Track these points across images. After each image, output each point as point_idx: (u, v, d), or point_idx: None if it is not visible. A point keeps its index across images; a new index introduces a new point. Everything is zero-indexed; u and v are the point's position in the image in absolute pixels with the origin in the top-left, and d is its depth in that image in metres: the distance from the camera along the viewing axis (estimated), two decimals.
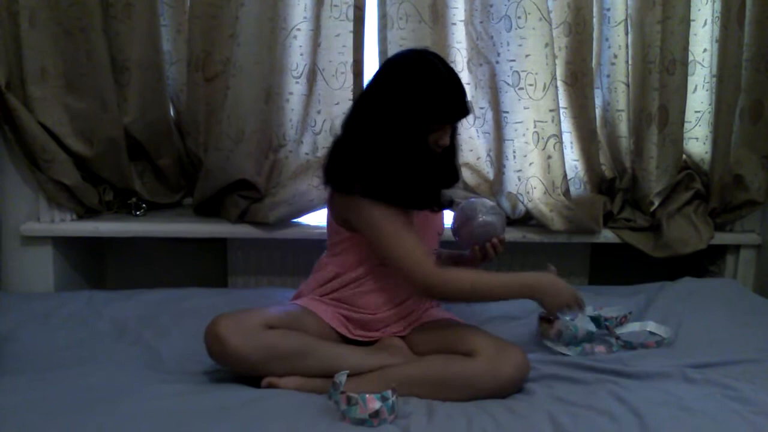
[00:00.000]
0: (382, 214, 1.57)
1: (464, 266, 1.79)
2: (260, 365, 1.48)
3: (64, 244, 2.19)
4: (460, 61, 2.21)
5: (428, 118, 1.57)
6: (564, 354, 1.71)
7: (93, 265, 2.40)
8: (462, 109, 1.61)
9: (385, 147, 1.57)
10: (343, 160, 1.63)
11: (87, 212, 2.19)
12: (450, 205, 1.74)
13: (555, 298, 1.60)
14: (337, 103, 2.12)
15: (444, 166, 1.70)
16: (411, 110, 1.56)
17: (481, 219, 1.72)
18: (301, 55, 2.11)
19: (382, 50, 2.12)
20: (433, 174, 1.64)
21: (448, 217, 1.85)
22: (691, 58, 2.23)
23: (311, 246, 1.97)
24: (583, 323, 1.76)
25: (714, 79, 2.26)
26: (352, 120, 1.65)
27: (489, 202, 1.77)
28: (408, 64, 1.61)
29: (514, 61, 2.11)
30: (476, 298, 1.66)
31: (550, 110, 2.14)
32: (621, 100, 2.23)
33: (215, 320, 1.48)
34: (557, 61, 2.17)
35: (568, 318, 1.72)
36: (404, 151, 1.57)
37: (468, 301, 1.73)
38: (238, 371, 1.50)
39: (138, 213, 2.23)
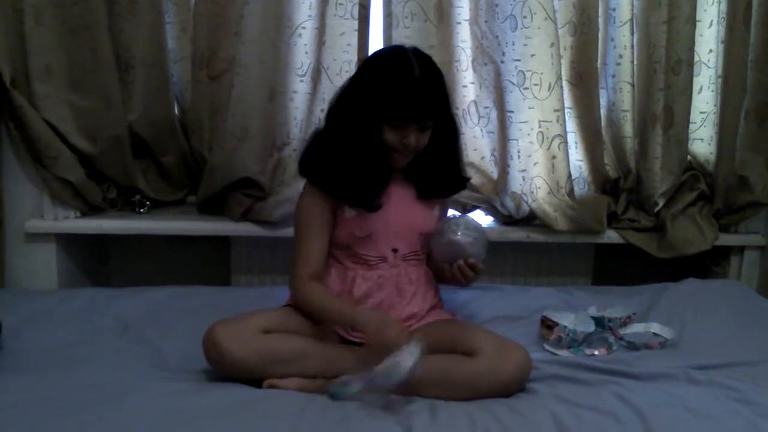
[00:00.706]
0: (306, 205, 1.66)
1: (444, 279, 1.73)
2: (259, 370, 1.49)
3: (68, 242, 2.19)
4: (464, 60, 2.20)
5: (377, 111, 1.57)
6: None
7: (96, 262, 2.40)
8: (408, 109, 1.56)
9: (338, 136, 1.62)
10: (308, 147, 1.71)
11: (91, 210, 2.19)
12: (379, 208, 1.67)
13: (375, 339, 1.47)
14: None
15: (443, 173, 1.71)
16: (363, 101, 1.58)
17: (451, 237, 1.64)
18: (306, 53, 2.11)
19: None
20: (376, 172, 1.63)
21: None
22: (696, 58, 2.22)
23: None
24: (582, 326, 1.76)
25: (719, 80, 2.26)
26: (328, 110, 1.70)
27: (473, 223, 1.69)
28: (376, 59, 1.66)
29: (519, 60, 2.11)
30: (319, 318, 1.63)
31: (555, 110, 2.14)
32: (626, 101, 2.22)
33: (212, 328, 1.49)
34: (562, 61, 2.16)
35: (565, 325, 1.73)
36: (353, 142, 1.59)
37: (305, 308, 1.65)
38: (234, 375, 1.50)
39: (142, 210, 2.22)
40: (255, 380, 1.51)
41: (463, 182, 1.79)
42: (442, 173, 1.71)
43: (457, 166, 1.75)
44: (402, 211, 1.69)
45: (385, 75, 1.59)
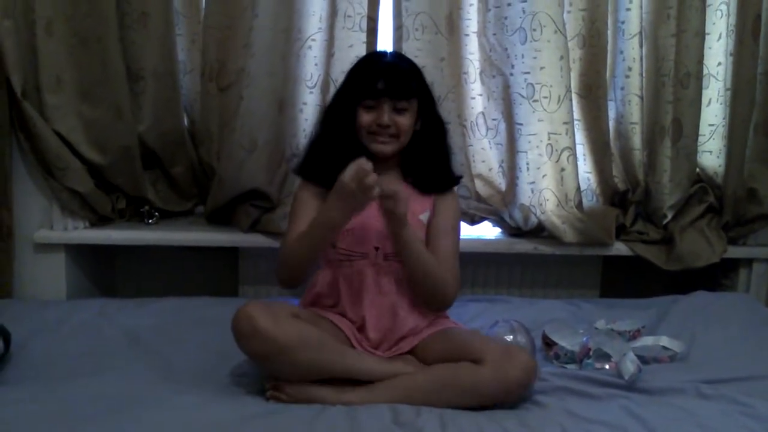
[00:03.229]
0: (298, 194, 1.77)
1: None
2: (286, 350, 1.46)
3: (77, 252, 2.19)
4: (472, 72, 2.21)
5: (349, 95, 1.70)
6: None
7: (105, 272, 2.41)
8: (376, 85, 1.65)
9: (320, 128, 1.81)
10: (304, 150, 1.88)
11: (100, 220, 2.19)
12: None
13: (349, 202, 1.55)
14: None
15: (434, 169, 1.76)
16: (339, 92, 1.77)
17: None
18: (316, 65, 2.12)
19: None
20: (349, 154, 1.64)
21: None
22: (705, 71, 2.22)
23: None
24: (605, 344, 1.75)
25: (728, 93, 2.25)
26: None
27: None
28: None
29: (528, 73, 2.11)
30: (297, 255, 1.67)
31: (564, 123, 2.14)
32: (635, 113, 2.22)
33: (246, 305, 1.49)
34: (571, 74, 2.16)
35: (564, 344, 1.75)
36: (330, 128, 1.74)
37: (295, 260, 1.68)
38: (261, 355, 1.48)
39: (150, 221, 2.23)
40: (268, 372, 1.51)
41: (452, 180, 1.82)
42: (431, 169, 1.76)
43: (446, 164, 1.80)
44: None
45: (357, 63, 1.78)
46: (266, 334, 1.45)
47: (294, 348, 1.47)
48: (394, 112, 1.67)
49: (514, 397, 1.49)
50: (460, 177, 1.88)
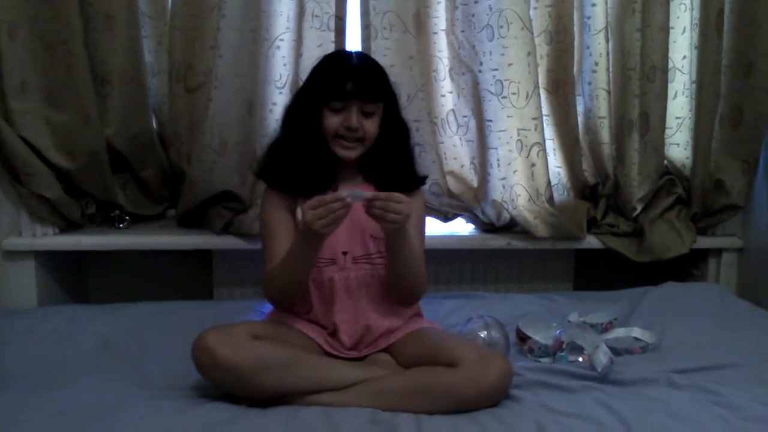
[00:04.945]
0: (266, 207, 1.70)
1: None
2: (250, 376, 1.45)
3: (47, 259, 2.17)
4: (442, 69, 2.22)
5: (315, 96, 1.64)
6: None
7: (76, 278, 2.38)
8: (343, 87, 1.60)
9: (284, 131, 1.71)
10: (265, 152, 1.79)
11: (69, 226, 2.17)
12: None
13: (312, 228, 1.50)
14: None
15: (395, 170, 1.72)
16: (304, 93, 1.70)
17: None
18: (285, 65, 2.11)
19: None
20: (317, 159, 1.66)
21: None
22: (670, 65, 2.25)
23: None
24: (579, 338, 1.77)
25: (694, 86, 2.29)
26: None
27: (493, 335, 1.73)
28: (320, 58, 1.76)
29: (496, 69, 2.12)
30: (284, 284, 1.63)
31: (533, 118, 2.15)
32: (602, 107, 2.24)
33: (202, 334, 1.47)
34: (539, 69, 2.17)
35: (537, 338, 1.76)
36: (295, 132, 1.67)
37: (282, 289, 1.65)
38: (226, 384, 1.48)
39: (121, 225, 2.21)
40: (239, 396, 1.49)
41: (416, 181, 1.77)
42: (394, 171, 1.72)
43: (409, 166, 1.76)
44: (352, 213, 1.61)
45: (323, 63, 1.71)
46: (227, 364, 1.44)
47: (258, 373, 1.45)
48: (362, 115, 1.63)
49: (489, 401, 1.48)
50: (425, 177, 1.81)
